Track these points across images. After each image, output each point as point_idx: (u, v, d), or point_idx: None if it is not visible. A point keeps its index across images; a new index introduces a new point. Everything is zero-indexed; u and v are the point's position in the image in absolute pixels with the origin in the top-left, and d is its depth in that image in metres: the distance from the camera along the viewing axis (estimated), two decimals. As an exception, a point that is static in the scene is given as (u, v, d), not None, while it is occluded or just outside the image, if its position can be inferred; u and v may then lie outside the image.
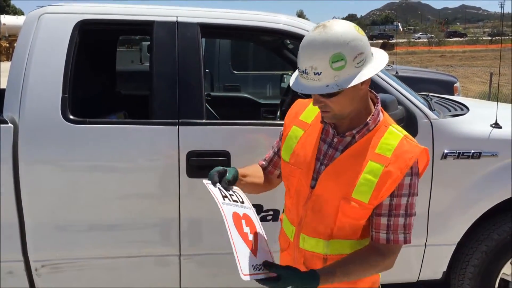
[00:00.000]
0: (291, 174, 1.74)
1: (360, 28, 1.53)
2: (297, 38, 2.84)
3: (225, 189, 1.70)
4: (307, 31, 2.75)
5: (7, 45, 33.56)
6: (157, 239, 2.66)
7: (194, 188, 2.59)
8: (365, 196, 1.54)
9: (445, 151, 2.72)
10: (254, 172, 1.92)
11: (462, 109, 3.21)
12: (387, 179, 1.52)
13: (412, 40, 63.79)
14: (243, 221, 1.64)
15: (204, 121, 2.60)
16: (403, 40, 59.65)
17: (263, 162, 2.00)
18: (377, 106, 1.63)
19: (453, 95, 7.01)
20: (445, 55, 34.19)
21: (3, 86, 2.68)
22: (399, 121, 2.56)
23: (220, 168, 1.74)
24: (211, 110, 4.00)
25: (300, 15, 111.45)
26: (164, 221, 2.63)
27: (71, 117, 2.50)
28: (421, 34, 78.23)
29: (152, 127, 2.58)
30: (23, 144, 2.44)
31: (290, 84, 1.62)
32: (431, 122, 2.73)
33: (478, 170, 2.78)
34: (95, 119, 2.61)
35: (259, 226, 1.70)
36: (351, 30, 1.49)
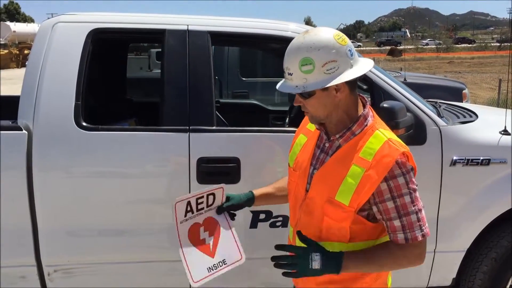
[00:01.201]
0: (292, 178, 1.86)
1: (344, 39, 1.60)
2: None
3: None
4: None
5: (17, 52, 33.88)
6: (167, 244, 2.68)
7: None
8: (346, 199, 1.60)
9: (454, 158, 2.73)
10: (281, 186, 2.06)
11: (471, 116, 3.22)
12: (366, 182, 1.57)
13: (420, 46, 63.62)
14: (202, 228, 1.85)
15: (214, 127, 2.63)
16: (411, 47, 59.43)
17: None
18: (363, 111, 1.68)
19: (462, 101, 7.00)
20: (453, 62, 34.06)
21: (16, 93, 2.72)
22: (408, 128, 2.59)
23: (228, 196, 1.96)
24: (221, 117, 4.03)
25: (308, 22, 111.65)
26: (174, 226, 2.65)
27: (84, 124, 2.54)
28: (429, 40, 78.01)
29: (163, 133, 2.62)
30: (37, 150, 2.49)
31: (278, 82, 1.73)
32: (440, 129, 2.74)
33: (487, 177, 2.78)
34: (107, 126, 2.65)
35: (224, 224, 1.90)
36: (329, 39, 1.57)
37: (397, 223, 1.60)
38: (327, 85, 1.56)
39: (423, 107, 2.80)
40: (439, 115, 2.89)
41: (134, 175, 2.61)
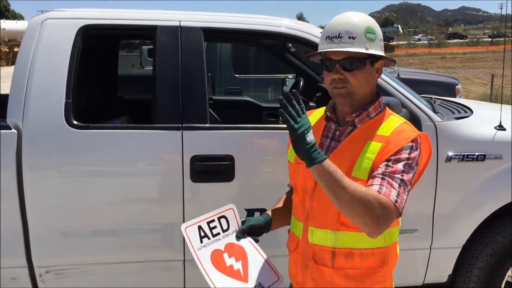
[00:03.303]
0: (296, 172, 1.78)
1: None
2: (299, 41, 2.85)
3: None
4: (309, 34, 2.78)
5: (7, 50, 33.59)
6: (161, 244, 2.66)
7: (198, 192, 2.59)
8: (363, 174, 1.58)
9: (450, 153, 2.72)
10: (286, 206, 1.92)
11: (465, 112, 3.20)
12: (382, 153, 1.58)
13: (412, 42, 63.79)
14: (225, 255, 1.72)
15: (207, 125, 2.60)
16: (403, 42, 59.58)
17: (288, 188, 1.99)
18: (380, 98, 1.75)
19: (455, 97, 7.00)
20: (445, 57, 34.22)
21: (5, 91, 2.68)
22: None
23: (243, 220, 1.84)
24: (214, 114, 4.00)
25: (300, 17, 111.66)
26: (168, 225, 2.63)
27: (75, 122, 2.50)
28: (421, 36, 78.34)
29: (155, 131, 2.58)
30: (27, 149, 2.44)
31: (319, 49, 1.71)
32: (435, 125, 2.73)
33: (483, 173, 2.77)
34: (98, 124, 2.61)
35: (249, 247, 1.75)
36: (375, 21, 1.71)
37: (379, 176, 1.54)
38: (383, 55, 1.68)
39: (418, 103, 2.78)
40: (434, 110, 2.87)
41: (126, 174, 2.58)
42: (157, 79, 2.62)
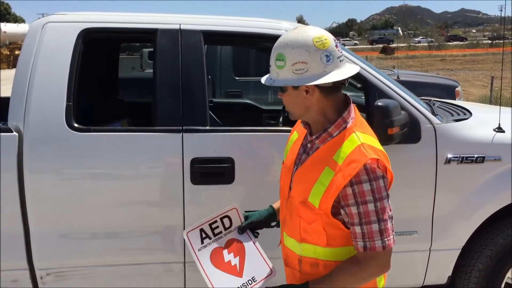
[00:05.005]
0: (282, 174, 1.88)
1: (325, 43, 1.58)
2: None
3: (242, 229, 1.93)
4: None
5: (8, 52, 33.61)
6: (161, 246, 2.66)
7: (198, 195, 2.60)
8: (316, 201, 1.62)
9: (449, 155, 2.72)
10: None
11: (465, 114, 3.22)
12: (333, 185, 1.58)
13: (412, 44, 63.75)
14: (225, 251, 1.85)
15: (208, 128, 2.61)
16: (403, 45, 59.54)
17: None
18: (343, 114, 1.66)
19: (455, 99, 7.02)
20: (445, 59, 34.21)
21: (6, 94, 2.69)
22: (402, 127, 2.58)
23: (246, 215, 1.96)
24: (214, 116, 4.01)
25: (300, 20, 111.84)
26: (168, 228, 2.63)
27: (76, 125, 2.51)
28: (421, 38, 78.32)
29: (156, 134, 2.59)
30: (28, 152, 2.45)
31: None
32: (434, 127, 2.74)
33: (482, 175, 2.78)
34: (99, 127, 2.62)
35: (248, 242, 1.88)
36: (306, 40, 1.57)
37: (358, 229, 1.58)
38: (291, 85, 1.60)
39: (417, 105, 2.79)
40: (433, 113, 2.88)
41: (127, 176, 2.58)
42: (157, 81, 2.63)
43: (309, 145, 1.74)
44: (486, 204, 2.80)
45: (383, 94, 2.71)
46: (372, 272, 1.63)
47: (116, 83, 4.30)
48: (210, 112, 2.73)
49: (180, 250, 2.63)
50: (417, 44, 64.03)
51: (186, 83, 2.63)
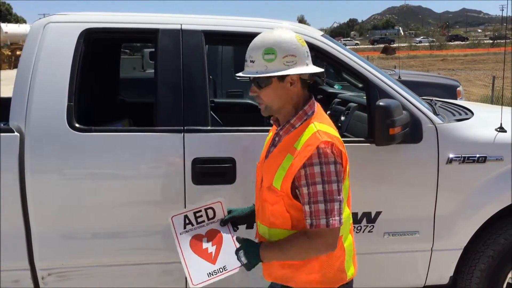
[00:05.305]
0: (257, 170, 2.05)
1: (304, 42, 1.85)
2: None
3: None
4: (310, 36, 2.79)
5: (9, 53, 33.65)
6: (163, 246, 2.65)
7: (199, 195, 2.59)
8: (277, 185, 1.79)
9: (450, 155, 2.72)
10: None
11: (466, 114, 3.21)
12: (291, 168, 1.75)
13: (414, 44, 63.71)
14: (204, 239, 2.02)
15: (209, 128, 2.61)
16: (404, 45, 59.49)
17: None
18: (305, 107, 1.84)
19: (456, 99, 7.01)
20: (446, 59, 34.18)
21: (7, 94, 2.69)
22: (404, 126, 2.57)
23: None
24: (215, 116, 4.01)
25: (301, 20, 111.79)
26: (170, 228, 2.63)
27: (77, 125, 2.51)
28: (422, 38, 78.25)
29: (157, 134, 2.59)
30: (29, 152, 2.45)
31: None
32: (436, 127, 2.74)
33: (484, 175, 2.78)
34: (100, 127, 2.62)
35: (227, 234, 2.04)
36: (292, 37, 1.82)
37: (307, 208, 1.74)
38: (286, 73, 1.77)
39: (418, 105, 2.79)
40: (435, 113, 2.88)
41: (128, 176, 2.58)
42: (158, 82, 2.63)
43: (277, 138, 1.91)
44: (488, 204, 2.80)
45: (385, 94, 2.70)
46: (317, 248, 1.77)
47: (118, 83, 4.31)
48: (211, 112, 2.73)
49: (182, 250, 2.62)
50: (418, 44, 63.99)
51: (188, 83, 2.63)
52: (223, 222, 2.07)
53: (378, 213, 2.75)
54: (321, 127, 1.79)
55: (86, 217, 2.56)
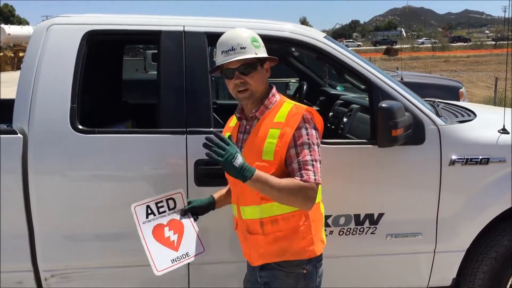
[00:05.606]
0: None
1: None
2: (302, 45, 2.86)
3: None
4: (312, 38, 2.79)
5: (12, 55, 33.74)
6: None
7: (202, 196, 2.58)
8: (270, 156, 1.94)
9: (453, 157, 2.72)
10: (228, 190, 2.29)
11: (469, 115, 3.21)
12: (283, 137, 1.93)
13: (416, 45, 63.68)
14: (166, 228, 2.14)
15: (212, 129, 2.61)
16: (406, 46, 59.41)
17: None
18: (272, 91, 2.08)
19: (459, 100, 7.00)
20: (449, 60, 34.13)
21: (10, 96, 2.69)
22: (406, 128, 2.57)
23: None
24: (218, 118, 4.01)
25: (303, 22, 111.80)
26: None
27: (80, 127, 2.52)
28: (425, 39, 78.22)
29: (160, 136, 2.60)
30: (33, 154, 2.46)
31: (217, 63, 2.03)
32: (438, 129, 2.73)
33: (487, 176, 2.77)
34: (103, 129, 2.63)
35: (188, 223, 2.18)
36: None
37: (296, 166, 1.92)
38: (268, 56, 2.04)
39: (421, 106, 2.78)
40: (437, 114, 2.88)
41: (131, 178, 2.59)
42: (161, 83, 2.64)
43: (247, 126, 2.09)
44: (491, 206, 2.80)
45: (387, 96, 2.70)
46: (302, 196, 1.90)
47: (120, 85, 4.32)
48: (214, 113, 2.73)
49: (184, 251, 2.63)
50: (421, 45, 63.96)
51: (190, 85, 2.63)
52: (184, 212, 2.19)
53: (380, 215, 2.74)
54: (294, 102, 2.06)
55: (89, 219, 2.56)
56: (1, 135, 2.45)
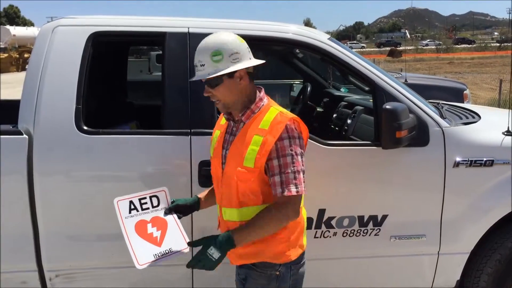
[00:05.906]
0: (212, 165, 2.17)
1: (242, 40, 2.01)
2: (307, 47, 2.87)
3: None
4: (316, 40, 2.79)
5: (17, 56, 33.87)
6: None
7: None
8: (250, 163, 1.93)
9: (457, 159, 2.71)
10: (212, 190, 2.28)
11: (473, 117, 3.20)
12: (264, 145, 1.92)
13: (420, 47, 63.53)
14: (149, 225, 2.12)
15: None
16: (410, 47, 59.28)
17: None
18: (259, 95, 2.04)
19: (463, 102, 6.98)
20: (453, 62, 34.04)
21: (16, 97, 2.71)
22: (410, 130, 2.57)
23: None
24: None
25: (307, 23, 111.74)
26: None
27: (85, 127, 2.53)
28: (429, 41, 78.04)
29: (164, 137, 2.61)
30: (38, 154, 2.48)
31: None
32: (442, 130, 2.73)
33: (491, 178, 2.77)
34: (108, 130, 2.64)
35: (171, 220, 2.16)
36: (233, 38, 1.98)
37: (277, 179, 1.91)
38: (235, 69, 1.93)
39: (425, 108, 2.78)
40: (441, 116, 2.87)
41: (135, 178, 2.60)
42: (166, 84, 2.65)
43: (234, 128, 2.07)
44: (495, 208, 2.79)
45: (391, 97, 2.70)
46: (287, 214, 1.92)
47: (125, 86, 4.33)
48: (218, 114, 2.74)
49: (189, 252, 2.63)
50: (425, 47, 63.81)
51: (194, 86, 2.64)
52: (168, 210, 2.18)
53: (384, 217, 2.74)
54: (281, 109, 2.02)
55: (94, 219, 2.57)
56: (7, 136, 2.47)
